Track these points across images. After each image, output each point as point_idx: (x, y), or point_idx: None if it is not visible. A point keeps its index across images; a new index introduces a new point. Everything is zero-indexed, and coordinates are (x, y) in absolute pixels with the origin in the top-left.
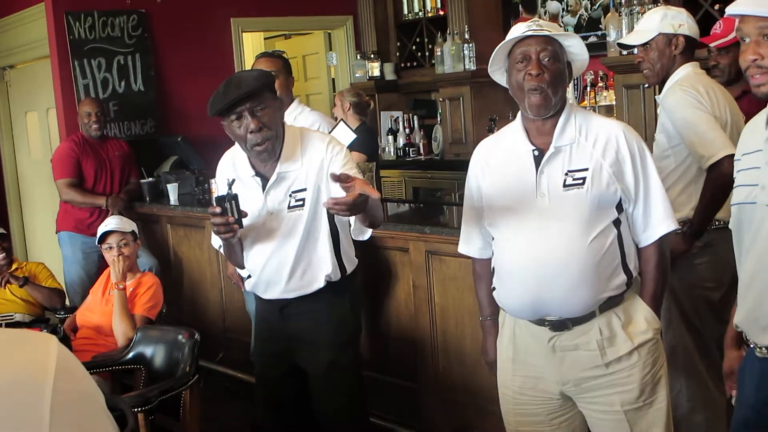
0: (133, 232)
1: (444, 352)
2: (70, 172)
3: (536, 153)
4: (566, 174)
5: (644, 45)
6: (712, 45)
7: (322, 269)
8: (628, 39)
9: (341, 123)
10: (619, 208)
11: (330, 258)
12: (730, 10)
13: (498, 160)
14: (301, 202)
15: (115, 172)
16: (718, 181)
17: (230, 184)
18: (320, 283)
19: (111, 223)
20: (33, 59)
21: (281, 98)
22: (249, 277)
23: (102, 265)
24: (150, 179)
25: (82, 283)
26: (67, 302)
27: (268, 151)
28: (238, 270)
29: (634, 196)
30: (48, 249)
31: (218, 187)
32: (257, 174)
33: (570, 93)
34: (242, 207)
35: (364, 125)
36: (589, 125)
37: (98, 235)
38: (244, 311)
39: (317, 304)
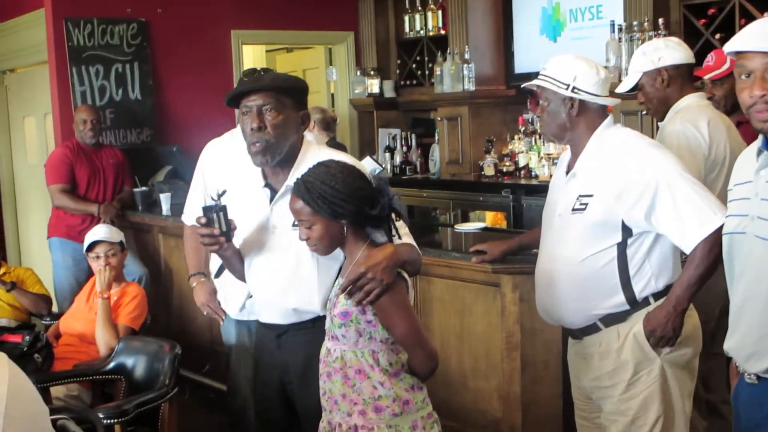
0: (121, 242)
1: None
2: (63, 178)
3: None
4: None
5: (634, 89)
6: (706, 77)
7: (320, 295)
8: (620, 88)
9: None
10: (626, 231)
11: (330, 285)
12: (732, 47)
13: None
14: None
15: (108, 180)
16: None
17: (220, 195)
18: (317, 311)
19: (99, 232)
20: (32, 64)
21: (306, 113)
22: (251, 296)
23: (92, 272)
24: (143, 188)
25: (71, 290)
26: (56, 308)
27: (262, 153)
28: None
29: None
30: (42, 254)
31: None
32: (267, 185)
33: None
34: (248, 218)
35: (333, 140)
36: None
37: (86, 243)
38: None
39: (314, 335)
